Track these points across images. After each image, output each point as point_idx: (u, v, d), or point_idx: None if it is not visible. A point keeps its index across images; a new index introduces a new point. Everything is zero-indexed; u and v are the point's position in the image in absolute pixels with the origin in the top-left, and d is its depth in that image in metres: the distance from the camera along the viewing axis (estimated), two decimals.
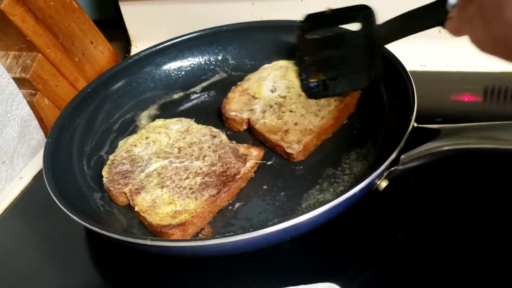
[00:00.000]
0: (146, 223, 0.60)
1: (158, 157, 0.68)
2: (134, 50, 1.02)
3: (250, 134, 0.74)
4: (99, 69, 0.94)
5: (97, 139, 0.76)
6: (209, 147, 0.68)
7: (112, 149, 0.75)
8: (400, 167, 0.56)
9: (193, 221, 0.58)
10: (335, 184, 0.63)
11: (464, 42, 0.80)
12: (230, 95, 0.78)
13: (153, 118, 0.81)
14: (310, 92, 0.74)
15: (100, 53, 0.95)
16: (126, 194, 0.64)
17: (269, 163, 0.68)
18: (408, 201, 0.60)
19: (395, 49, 0.71)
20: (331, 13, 0.71)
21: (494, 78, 0.77)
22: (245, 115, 0.74)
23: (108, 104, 0.79)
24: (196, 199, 0.61)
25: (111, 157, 0.70)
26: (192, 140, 0.70)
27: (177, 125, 0.74)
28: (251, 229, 0.50)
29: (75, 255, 0.64)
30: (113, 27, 1.02)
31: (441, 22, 0.53)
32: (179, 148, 0.69)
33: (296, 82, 0.77)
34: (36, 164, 0.79)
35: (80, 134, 0.74)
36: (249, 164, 0.65)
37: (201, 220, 0.59)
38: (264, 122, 0.72)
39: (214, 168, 0.65)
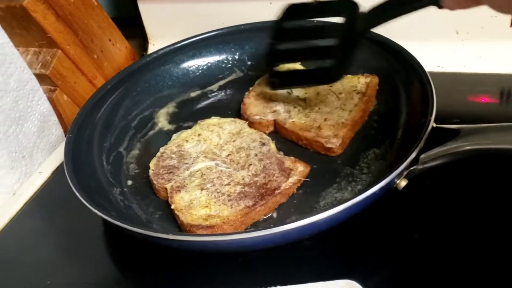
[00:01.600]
0: (179, 221, 0.61)
1: (206, 157, 0.69)
2: (151, 48, 1.03)
3: (276, 135, 0.74)
4: (117, 67, 0.95)
5: (116, 135, 0.76)
6: (256, 155, 0.68)
7: (131, 145, 0.76)
8: (420, 167, 0.56)
9: (223, 227, 0.58)
10: (353, 183, 0.63)
11: (482, 44, 0.81)
12: (246, 100, 0.78)
13: (171, 115, 0.82)
14: (276, 83, 0.73)
15: (118, 50, 0.96)
16: (167, 190, 0.65)
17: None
18: (426, 200, 0.61)
19: (412, 49, 0.71)
20: (316, 4, 0.70)
21: (511, 80, 0.78)
22: (270, 117, 0.74)
23: (127, 101, 0.80)
24: (231, 207, 0.61)
25: (161, 149, 0.71)
26: (241, 144, 0.70)
27: (230, 126, 0.73)
28: (271, 225, 0.51)
29: (93, 250, 0.65)
30: (130, 25, 1.02)
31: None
32: (227, 152, 0.69)
33: None
34: (55, 159, 0.79)
35: (100, 130, 0.74)
36: (291, 180, 0.64)
37: (231, 228, 0.59)
38: (293, 121, 0.72)
39: (256, 179, 0.64)
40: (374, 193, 0.52)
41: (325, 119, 0.71)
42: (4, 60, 0.70)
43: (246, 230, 0.54)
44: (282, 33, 0.70)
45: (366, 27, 0.63)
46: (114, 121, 0.77)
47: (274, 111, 0.75)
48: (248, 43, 0.87)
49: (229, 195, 0.62)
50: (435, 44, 0.83)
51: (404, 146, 0.63)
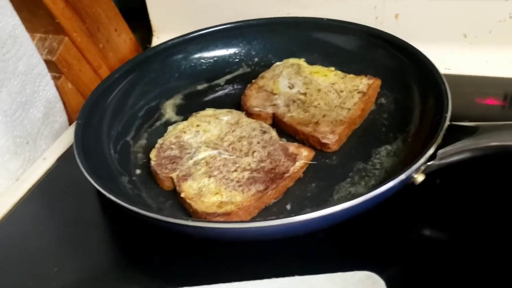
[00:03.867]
0: (191, 210, 0.60)
1: (208, 146, 0.68)
2: (155, 41, 1.02)
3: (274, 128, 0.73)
4: (121, 58, 0.94)
5: (123, 124, 0.75)
6: (258, 143, 0.68)
7: (138, 135, 0.75)
8: (437, 162, 0.56)
9: (239, 213, 0.58)
10: (366, 177, 0.63)
11: (489, 47, 0.83)
12: (247, 92, 0.78)
13: (178, 107, 0.81)
14: None
15: (123, 41, 0.95)
16: (173, 179, 0.64)
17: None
18: (441, 195, 0.61)
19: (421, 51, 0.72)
20: None
21: None
22: (270, 110, 0.74)
23: (135, 90, 0.79)
24: (243, 193, 0.61)
25: (160, 141, 0.70)
26: (241, 134, 0.70)
27: (227, 116, 0.73)
28: (292, 214, 0.50)
29: (98, 237, 0.64)
30: (134, 17, 1.01)
31: None
32: (229, 142, 0.69)
33: (312, 78, 0.78)
34: (59, 146, 0.78)
35: (108, 118, 0.73)
36: (298, 163, 0.64)
37: (245, 214, 0.59)
38: (291, 116, 0.72)
39: (263, 165, 0.65)
40: (393, 187, 0.52)
41: (324, 116, 0.71)
42: (14, 43, 0.69)
43: (267, 218, 0.53)
44: None
45: None
46: (121, 110, 0.76)
47: (274, 105, 0.75)
48: (256, 38, 0.86)
49: (238, 181, 0.63)
50: (443, 46, 0.83)
51: (418, 143, 0.63)
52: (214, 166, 0.65)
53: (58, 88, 0.81)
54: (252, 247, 0.58)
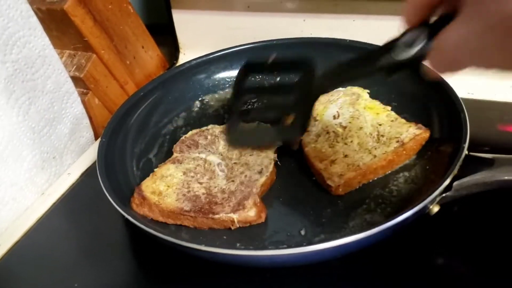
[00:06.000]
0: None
1: (220, 153, 0.71)
2: (182, 57, 1.04)
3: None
4: (148, 74, 0.96)
5: (146, 141, 0.78)
6: (245, 176, 0.67)
7: (161, 152, 0.77)
8: (452, 194, 0.56)
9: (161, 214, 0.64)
10: (382, 205, 0.63)
11: None
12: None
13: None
14: (233, 138, 0.68)
15: (149, 58, 0.97)
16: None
17: (313, 178, 0.69)
18: (456, 225, 0.61)
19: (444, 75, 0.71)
20: (273, 62, 0.68)
21: None
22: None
23: (159, 108, 0.81)
24: (176, 201, 0.65)
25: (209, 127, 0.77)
26: (247, 160, 0.69)
27: None
28: (304, 244, 0.51)
29: (119, 254, 0.66)
30: (162, 32, 1.04)
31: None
32: (233, 161, 0.70)
33: (363, 113, 0.73)
34: (84, 161, 0.80)
35: (132, 136, 0.75)
36: (232, 215, 0.61)
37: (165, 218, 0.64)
38: (314, 146, 0.70)
39: (216, 193, 0.65)
40: (408, 217, 0.53)
41: (346, 156, 0.67)
42: (43, 62, 0.72)
43: (279, 247, 0.54)
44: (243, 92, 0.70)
45: (320, 90, 0.62)
46: (145, 128, 0.78)
47: (307, 131, 0.73)
48: None
49: (189, 191, 0.65)
50: (466, 70, 0.83)
51: (435, 171, 0.63)
52: (198, 168, 0.69)
53: (85, 103, 0.83)
54: (266, 273, 0.58)
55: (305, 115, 0.62)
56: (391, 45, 0.49)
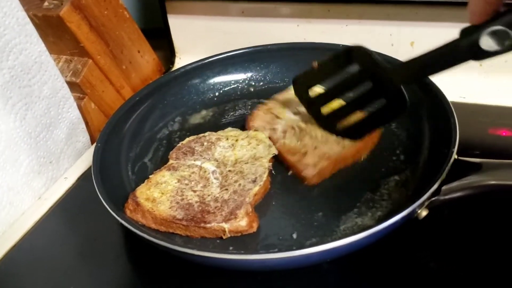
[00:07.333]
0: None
1: (216, 160, 0.71)
2: (178, 62, 1.05)
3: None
4: (144, 78, 0.97)
5: (141, 146, 0.78)
6: (239, 185, 0.66)
7: (156, 156, 0.77)
8: (441, 198, 0.57)
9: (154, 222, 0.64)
10: (373, 208, 0.64)
11: (504, 77, 0.82)
12: (255, 112, 0.79)
13: (196, 129, 0.83)
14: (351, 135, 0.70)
15: (145, 62, 0.98)
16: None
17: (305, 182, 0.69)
18: (444, 229, 0.62)
19: (435, 79, 0.72)
20: (318, 67, 0.69)
21: None
22: (266, 133, 0.75)
23: (154, 113, 0.82)
24: (170, 208, 0.64)
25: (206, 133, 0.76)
26: (241, 168, 0.69)
27: (259, 150, 0.72)
28: (294, 248, 0.52)
29: (115, 257, 0.66)
30: (158, 36, 1.05)
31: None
32: (228, 168, 0.70)
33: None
34: (80, 165, 0.81)
35: (127, 140, 0.76)
36: (223, 225, 0.61)
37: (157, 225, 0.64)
38: (284, 142, 0.73)
39: (209, 202, 0.65)
40: (396, 222, 0.54)
41: (315, 148, 0.70)
42: (39, 68, 0.73)
43: (269, 251, 0.55)
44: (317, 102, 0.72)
45: (404, 81, 0.62)
46: (140, 133, 0.79)
47: (273, 129, 0.75)
48: (273, 63, 0.89)
49: (183, 199, 0.65)
50: (458, 74, 0.83)
51: (425, 175, 0.64)
52: (193, 176, 0.69)
53: (81, 108, 0.84)
54: (257, 276, 0.60)
55: (398, 96, 0.63)
56: (476, 36, 0.51)
